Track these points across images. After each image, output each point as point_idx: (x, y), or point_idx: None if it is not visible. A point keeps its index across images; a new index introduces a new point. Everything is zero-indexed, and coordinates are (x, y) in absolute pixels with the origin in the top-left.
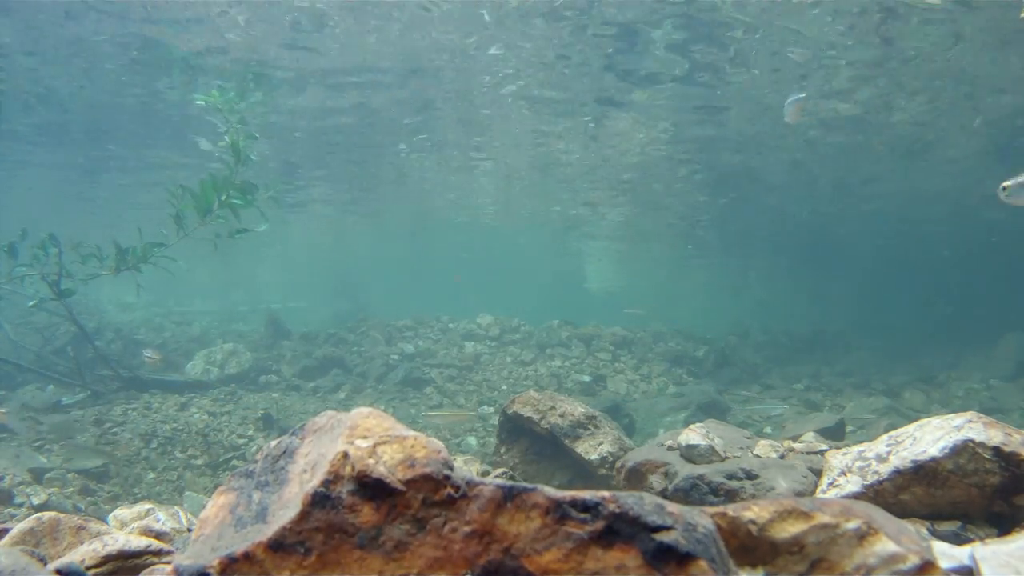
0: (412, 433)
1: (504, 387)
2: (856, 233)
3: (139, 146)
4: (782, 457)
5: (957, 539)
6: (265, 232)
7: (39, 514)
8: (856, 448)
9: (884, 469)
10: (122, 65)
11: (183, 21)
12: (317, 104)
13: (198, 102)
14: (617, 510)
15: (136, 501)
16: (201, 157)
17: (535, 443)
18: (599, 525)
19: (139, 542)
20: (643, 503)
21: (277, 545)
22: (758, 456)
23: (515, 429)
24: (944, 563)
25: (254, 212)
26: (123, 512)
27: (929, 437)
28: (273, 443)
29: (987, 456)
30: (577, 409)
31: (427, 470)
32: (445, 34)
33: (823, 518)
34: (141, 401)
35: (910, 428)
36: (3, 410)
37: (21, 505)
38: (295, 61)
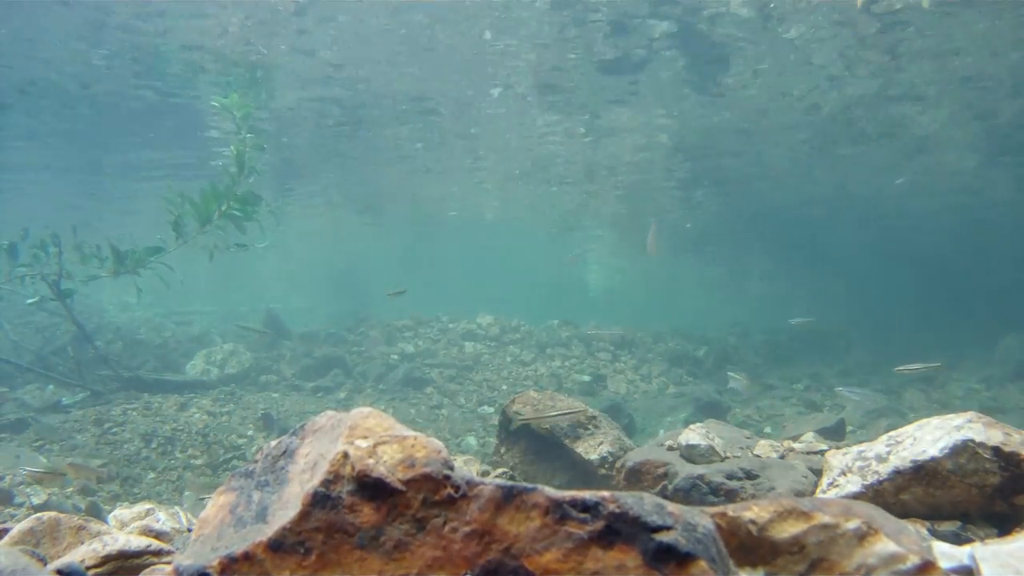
0: (412, 433)
1: (504, 387)
2: (857, 232)
3: (142, 146)
4: (782, 457)
5: (957, 539)
6: (268, 243)
7: (39, 514)
8: (856, 448)
9: (884, 469)
10: (124, 65)
11: (182, 17)
12: (317, 103)
13: (214, 104)
14: (617, 510)
15: (136, 501)
16: (203, 158)
17: (535, 443)
18: (599, 525)
19: (139, 542)
20: (643, 503)
21: (277, 545)
22: (758, 456)
23: (515, 429)
24: (944, 563)
25: (255, 224)
26: (123, 512)
27: (929, 437)
28: (273, 443)
29: (987, 456)
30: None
31: (427, 470)
32: (445, 34)
33: (823, 518)
34: (141, 401)
35: (910, 428)
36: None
37: (21, 505)
38: (296, 60)
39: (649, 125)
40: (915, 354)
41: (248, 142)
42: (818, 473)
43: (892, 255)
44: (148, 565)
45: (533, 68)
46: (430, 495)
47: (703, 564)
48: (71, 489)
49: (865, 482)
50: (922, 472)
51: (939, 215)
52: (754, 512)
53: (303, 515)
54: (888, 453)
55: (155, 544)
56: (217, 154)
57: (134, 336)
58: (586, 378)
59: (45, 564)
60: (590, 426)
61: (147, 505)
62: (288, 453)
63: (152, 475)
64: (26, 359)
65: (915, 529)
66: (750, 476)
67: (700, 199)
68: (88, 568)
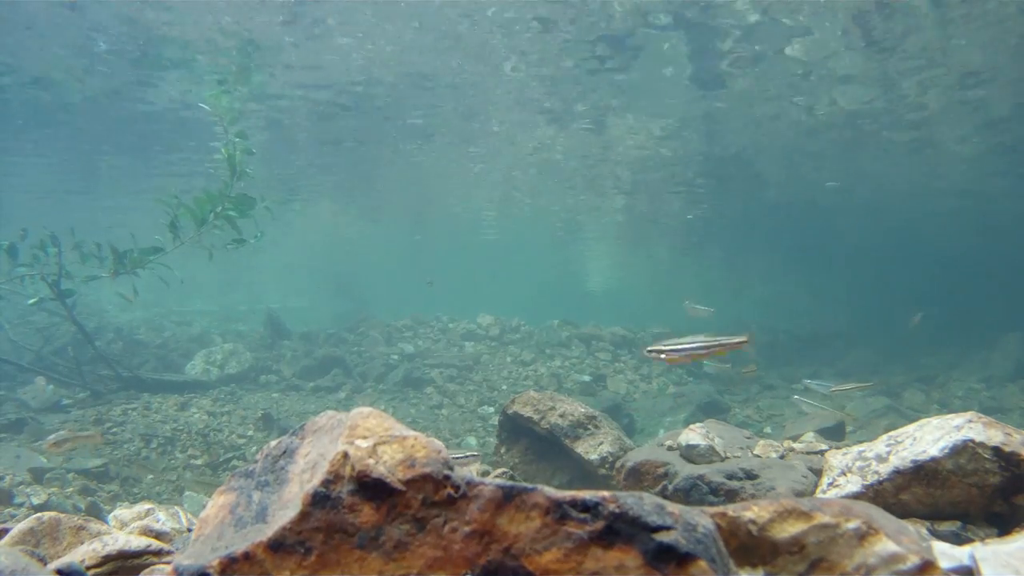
0: (412, 433)
1: (504, 387)
2: (857, 231)
3: (141, 144)
4: (782, 457)
5: (957, 539)
6: (263, 237)
7: (39, 514)
8: (856, 448)
9: (884, 469)
10: (122, 61)
11: (181, 10)
12: (317, 101)
13: (203, 105)
14: (617, 510)
15: (136, 501)
16: (202, 160)
17: (535, 443)
18: (599, 525)
19: (139, 542)
20: (643, 503)
21: (277, 545)
22: (758, 456)
23: (515, 429)
24: (944, 563)
25: (251, 222)
26: (123, 512)
27: (929, 437)
28: (273, 443)
29: (987, 456)
30: (577, 409)
31: (427, 470)
32: (446, 34)
33: (823, 518)
34: (141, 401)
35: (910, 428)
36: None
37: (21, 505)
38: (295, 55)
39: (650, 125)
40: (914, 353)
41: (238, 146)
42: (818, 473)
43: (893, 255)
44: (148, 565)
45: (534, 69)
46: (430, 495)
47: (703, 564)
48: (71, 489)
49: (865, 482)
50: (922, 472)
51: (939, 214)
52: (754, 512)
53: (303, 515)
54: (888, 453)
55: (155, 544)
56: (214, 156)
57: (134, 336)
58: (586, 378)
59: (45, 564)
60: (590, 426)
61: (147, 505)
62: (288, 453)
63: (152, 475)
64: (26, 359)
65: (915, 529)
66: (750, 476)
67: (701, 198)
68: (88, 568)
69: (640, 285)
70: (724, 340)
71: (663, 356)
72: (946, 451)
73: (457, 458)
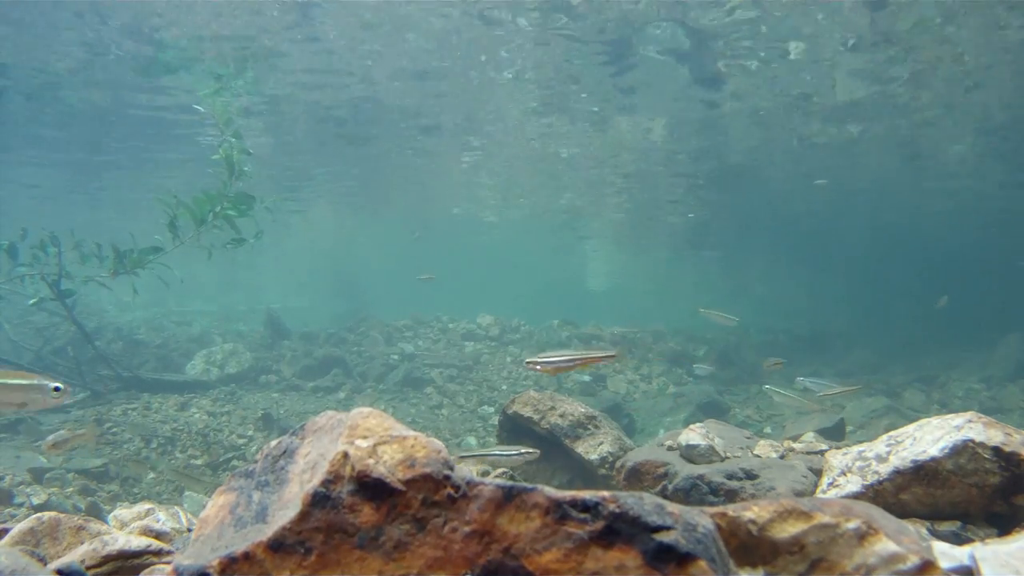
0: (412, 433)
1: (504, 387)
2: (856, 231)
3: (142, 144)
4: (782, 457)
5: (957, 539)
6: (263, 236)
7: (39, 514)
8: (856, 448)
9: (884, 469)
10: (122, 62)
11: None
12: (318, 100)
13: (198, 107)
14: (617, 510)
15: (136, 501)
16: (203, 158)
17: (535, 443)
18: (599, 525)
19: (139, 542)
20: (643, 503)
21: (277, 545)
22: (758, 456)
23: (515, 429)
24: (944, 563)
25: (251, 221)
26: (123, 512)
27: (929, 437)
28: (273, 443)
29: (987, 456)
30: (577, 409)
31: (427, 470)
32: (447, 33)
33: (823, 518)
34: (141, 401)
35: (910, 428)
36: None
37: (21, 505)
38: (295, 53)
39: (651, 124)
40: (914, 353)
41: (235, 146)
42: (818, 473)
43: (892, 255)
44: (148, 565)
45: (535, 70)
46: (430, 495)
47: (703, 564)
48: (71, 489)
49: (865, 482)
50: (922, 472)
51: (939, 214)
52: (754, 512)
53: (303, 515)
54: (888, 453)
55: (155, 544)
56: (212, 156)
57: (134, 336)
58: (586, 378)
59: (45, 564)
60: (590, 426)
61: (147, 505)
62: (288, 453)
63: (152, 475)
64: (26, 359)
65: (915, 529)
66: (750, 476)
67: (702, 198)
68: (88, 568)
69: (640, 285)
70: (594, 353)
71: (539, 367)
72: (946, 451)
73: (512, 455)
